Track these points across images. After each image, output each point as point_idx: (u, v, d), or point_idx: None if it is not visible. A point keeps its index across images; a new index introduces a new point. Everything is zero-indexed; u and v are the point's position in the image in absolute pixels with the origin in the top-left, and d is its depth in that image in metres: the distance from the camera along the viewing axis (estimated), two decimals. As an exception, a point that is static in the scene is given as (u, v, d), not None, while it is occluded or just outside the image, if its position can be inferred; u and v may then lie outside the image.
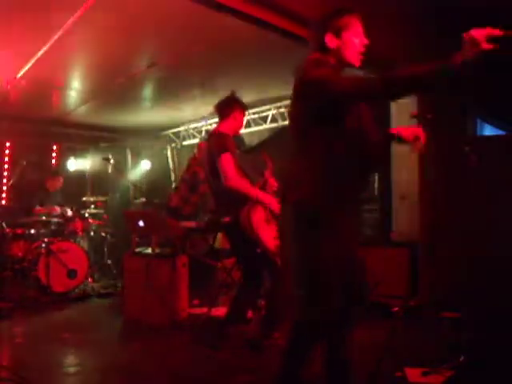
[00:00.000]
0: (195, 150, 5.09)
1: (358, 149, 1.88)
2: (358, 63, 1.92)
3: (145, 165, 7.70)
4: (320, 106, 1.82)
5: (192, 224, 4.89)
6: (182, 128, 7.52)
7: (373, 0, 2.83)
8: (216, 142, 3.20)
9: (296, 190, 1.89)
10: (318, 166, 1.86)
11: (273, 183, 3.32)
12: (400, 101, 4.35)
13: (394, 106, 4.56)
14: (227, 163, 3.07)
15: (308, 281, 1.90)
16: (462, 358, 2.85)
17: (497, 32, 1.53)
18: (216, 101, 3.41)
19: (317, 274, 1.87)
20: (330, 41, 1.90)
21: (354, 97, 1.80)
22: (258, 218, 3.11)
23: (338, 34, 1.89)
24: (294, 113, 2.03)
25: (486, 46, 1.53)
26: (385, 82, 1.69)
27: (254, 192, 3.13)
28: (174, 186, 7.62)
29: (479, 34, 1.53)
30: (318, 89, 1.78)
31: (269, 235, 3.08)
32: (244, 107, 3.39)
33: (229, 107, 3.32)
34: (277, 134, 6.00)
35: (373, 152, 1.96)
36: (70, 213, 5.66)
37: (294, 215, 1.89)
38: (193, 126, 7.30)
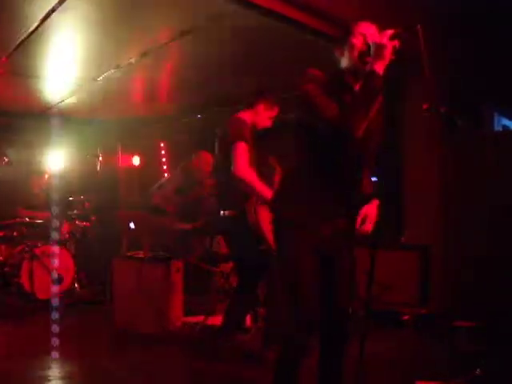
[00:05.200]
0: (194, 155, 5.08)
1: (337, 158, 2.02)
2: (366, 66, 1.95)
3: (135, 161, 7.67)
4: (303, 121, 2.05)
5: (188, 226, 4.90)
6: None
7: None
8: (233, 127, 3.21)
9: (277, 203, 2.16)
10: (296, 180, 2.09)
11: None
12: (412, 95, 4.36)
13: (407, 99, 4.55)
14: (240, 152, 3.09)
15: (282, 289, 2.14)
16: (478, 371, 2.84)
17: (393, 30, 1.86)
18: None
19: (289, 283, 2.06)
20: (338, 52, 2.06)
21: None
22: (264, 215, 3.12)
23: (343, 43, 2.03)
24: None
25: (394, 43, 1.84)
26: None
27: (260, 187, 3.11)
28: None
29: (382, 37, 1.86)
30: (302, 104, 2.02)
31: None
32: (273, 106, 3.38)
33: (253, 98, 3.36)
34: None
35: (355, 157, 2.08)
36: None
37: (276, 224, 2.13)
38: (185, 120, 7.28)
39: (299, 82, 2.00)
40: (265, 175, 3.21)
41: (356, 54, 1.96)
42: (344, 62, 2.02)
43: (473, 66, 4.29)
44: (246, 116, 3.31)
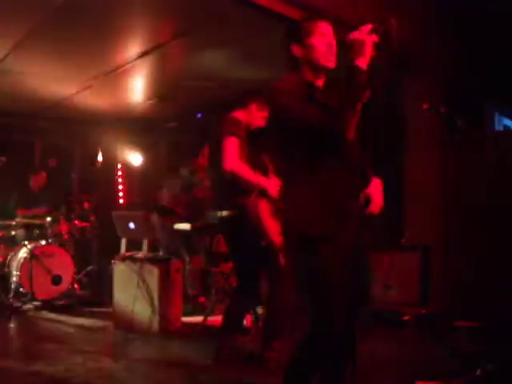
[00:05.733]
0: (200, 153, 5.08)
1: (339, 158, 1.99)
2: (330, 64, 2.00)
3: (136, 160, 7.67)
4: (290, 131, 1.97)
5: (187, 226, 4.91)
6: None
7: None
8: (226, 124, 3.21)
9: (291, 214, 2.03)
10: (304, 187, 1.99)
11: (276, 181, 3.33)
12: (412, 95, 4.36)
13: (406, 100, 4.55)
14: (231, 147, 3.08)
15: (316, 294, 2.01)
16: (478, 371, 2.85)
17: (371, 25, 1.84)
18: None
19: (323, 287, 1.98)
20: (296, 50, 2.03)
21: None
22: (264, 209, 3.12)
23: (301, 42, 2.01)
24: (270, 137, 2.14)
25: (374, 39, 1.82)
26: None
27: (255, 178, 3.11)
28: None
29: (361, 33, 1.83)
30: (284, 116, 1.96)
31: (274, 229, 3.08)
32: (264, 105, 3.32)
33: (246, 98, 3.36)
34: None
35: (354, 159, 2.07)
36: (49, 218, 5.59)
37: (293, 237, 2.05)
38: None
39: (271, 99, 2.01)
40: (259, 173, 3.21)
41: (317, 53, 1.97)
42: (302, 60, 2.02)
43: (473, 66, 4.30)
44: (240, 115, 3.31)
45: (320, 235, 1.94)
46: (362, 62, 1.83)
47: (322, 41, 1.98)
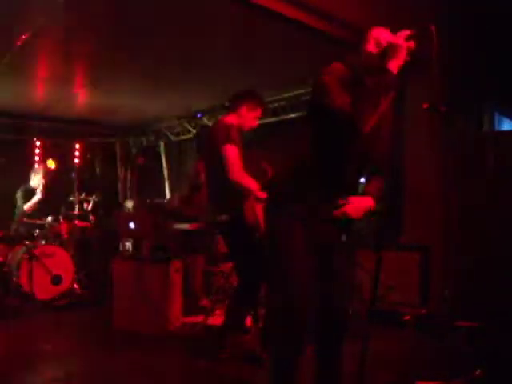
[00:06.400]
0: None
1: (347, 148, 2.03)
2: (382, 63, 1.98)
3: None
4: (315, 108, 2.05)
5: (186, 226, 4.91)
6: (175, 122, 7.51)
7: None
8: (219, 131, 3.21)
9: (276, 187, 2.15)
10: (301, 165, 2.07)
11: None
12: (412, 95, 4.36)
13: (407, 98, 4.55)
14: (232, 155, 3.08)
15: (271, 267, 2.15)
16: (478, 371, 2.85)
17: (409, 32, 1.90)
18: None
19: (278, 260, 2.09)
20: (352, 58, 2.11)
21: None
22: (261, 213, 3.13)
23: (357, 48, 2.09)
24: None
25: (410, 44, 1.88)
26: None
27: (256, 187, 3.14)
28: (167, 184, 7.63)
29: (397, 38, 1.90)
30: (315, 91, 2.03)
31: None
32: (256, 106, 3.38)
33: (236, 101, 3.37)
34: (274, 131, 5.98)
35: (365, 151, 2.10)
36: (49, 219, 5.60)
37: (270, 209, 2.16)
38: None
39: (319, 74, 2.03)
40: (255, 178, 3.21)
41: (369, 57, 2.02)
42: (359, 66, 2.06)
43: (473, 66, 4.30)
44: (231, 119, 3.32)
45: (298, 207, 2.00)
46: (394, 66, 1.88)
47: (376, 47, 2.02)
